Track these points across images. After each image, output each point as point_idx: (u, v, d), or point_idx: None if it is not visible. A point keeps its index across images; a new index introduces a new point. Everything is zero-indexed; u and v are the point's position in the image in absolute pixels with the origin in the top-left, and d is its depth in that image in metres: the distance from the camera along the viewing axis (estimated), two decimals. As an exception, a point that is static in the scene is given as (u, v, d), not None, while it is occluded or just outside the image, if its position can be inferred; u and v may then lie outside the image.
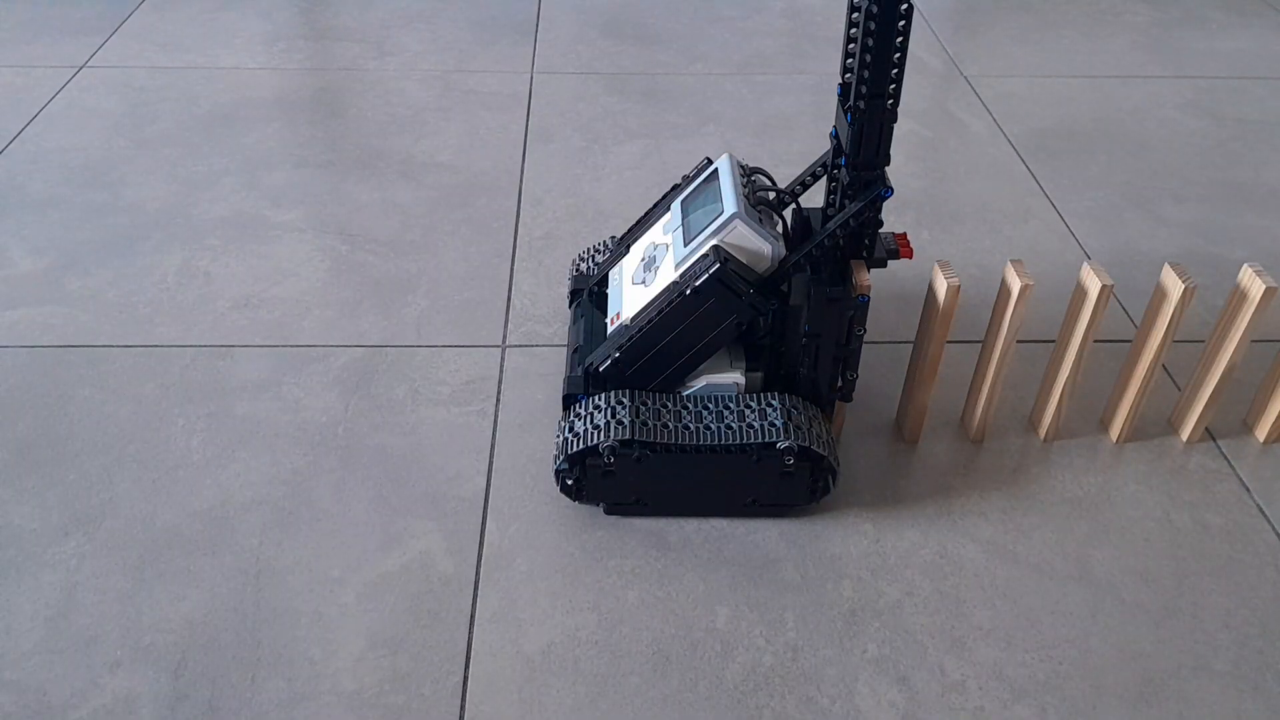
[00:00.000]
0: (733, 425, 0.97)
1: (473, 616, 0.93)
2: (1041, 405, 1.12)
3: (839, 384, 1.03)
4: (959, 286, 1.03)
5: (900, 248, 1.00)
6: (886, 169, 0.94)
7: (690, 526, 1.01)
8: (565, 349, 1.19)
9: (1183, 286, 0.98)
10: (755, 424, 0.96)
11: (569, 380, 1.02)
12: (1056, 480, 1.07)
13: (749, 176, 1.03)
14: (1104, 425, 1.14)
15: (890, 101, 0.90)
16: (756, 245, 0.95)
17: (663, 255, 1.02)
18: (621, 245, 1.13)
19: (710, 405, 0.99)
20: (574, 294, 1.15)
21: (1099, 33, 2.09)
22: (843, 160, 0.94)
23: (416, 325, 1.26)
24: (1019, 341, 1.25)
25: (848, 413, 1.13)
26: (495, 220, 1.46)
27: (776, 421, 0.96)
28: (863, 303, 0.98)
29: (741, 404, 0.99)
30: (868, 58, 0.87)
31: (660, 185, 1.54)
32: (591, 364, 1.00)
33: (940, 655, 0.91)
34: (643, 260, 1.05)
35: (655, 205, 1.12)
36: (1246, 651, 0.92)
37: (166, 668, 0.88)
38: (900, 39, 0.86)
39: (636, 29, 2.06)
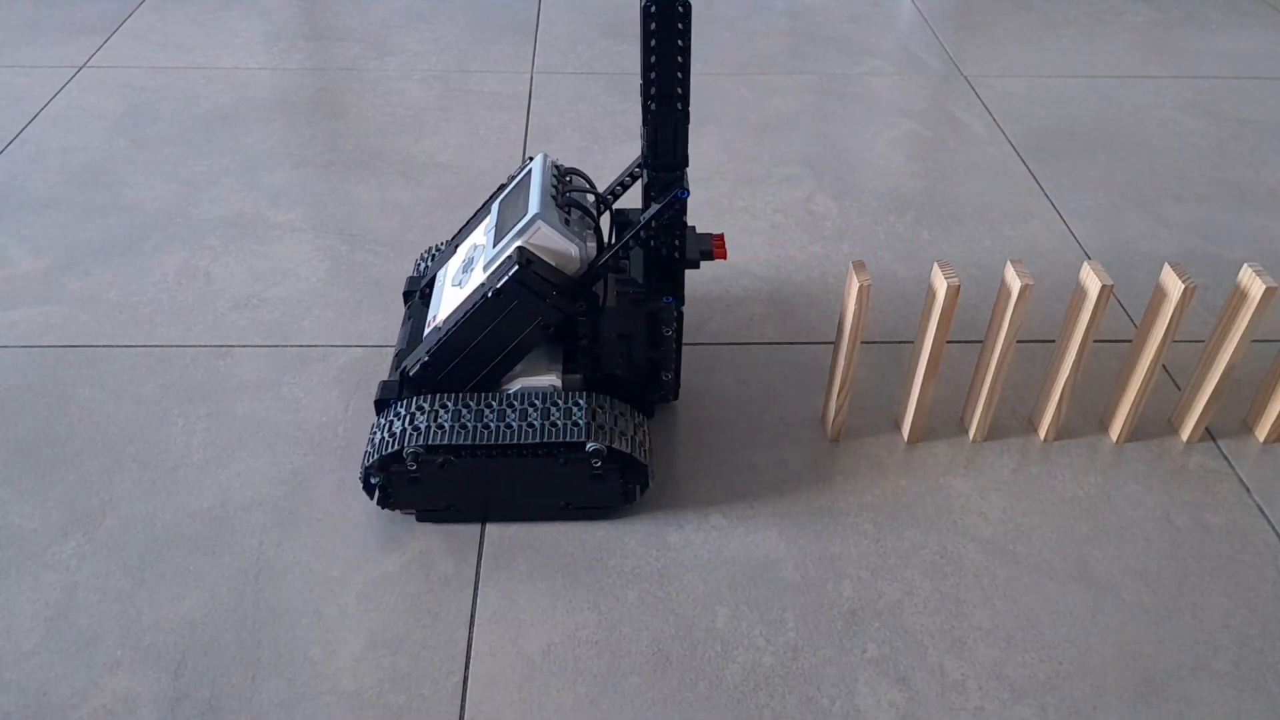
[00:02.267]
0: (535, 424, 0.94)
1: (473, 616, 0.93)
2: (1041, 405, 1.12)
3: (656, 385, 1.03)
4: (959, 286, 1.03)
5: (715, 249, 0.99)
6: (686, 169, 0.94)
7: (690, 526, 1.01)
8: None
9: (1183, 286, 0.98)
10: (559, 423, 0.94)
11: (382, 385, 1.00)
12: (1056, 480, 1.07)
13: (564, 178, 1.02)
14: (1104, 425, 1.14)
15: (680, 103, 0.89)
16: (562, 246, 0.94)
17: (478, 257, 1.00)
18: (450, 246, 1.11)
19: (515, 404, 0.96)
20: (407, 295, 1.14)
21: (1099, 33, 2.09)
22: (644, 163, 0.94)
23: (416, 325, 1.26)
24: (1019, 341, 1.25)
25: (848, 413, 1.13)
26: (495, 220, 1.46)
27: (580, 421, 0.94)
28: (668, 304, 0.97)
29: (547, 403, 0.96)
30: (653, 59, 0.87)
31: (660, 185, 1.54)
32: (405, 367, 0.98)
33: (940, 655, 0.91)
34: (463, 261, 1.04)
35: (483, 205, 1.10)
36: (1246, 651, 0.92)
37: (166, 668, 0.88)
38: (681, 39, 0.85)
39: (637, 29, 2.06)
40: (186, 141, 1.63)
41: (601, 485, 0.97)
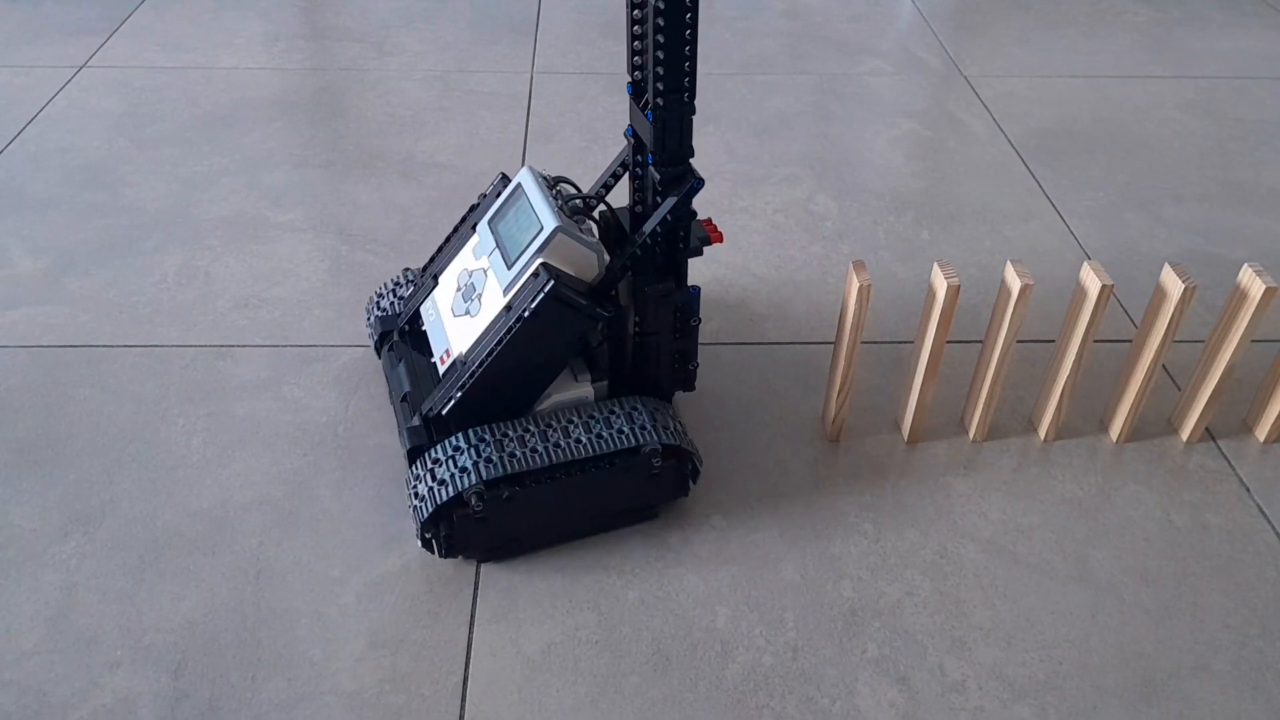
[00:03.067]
0: (586, 439, 0.93)
1: (473, 616, 0.93)
2: (1041, 405, 1.12)
3: (682, 375, 1.03)
4: (959, 286, 1.03)
5: (710, 234, 1.00)
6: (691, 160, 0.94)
7: (690, 526, 1.01)
8: (390, 399, 1.11)
9: (1183, 286, 0.98)
10: (607, 433, 0.93)
11: (411, 432, 0.95)
12: (1056, 480, 1.07)
13: (554, 186, 1.00)
14: (1104, 425, 1.14)
15: (687, 95, 0.89)
16: (583, 255, 0.92)
17: (482, 281, 0.97)
18: (427, 277, 1.06)
19: (575, 418, 0.95)
20: (383, 336, 1.09)
21: (1099, 33, 2.09)
22: (649, 158, 0.93)
23: (416, 325, 1.26)
24: (1019, 341, 1.25)
25: (848, 413, 1.13)
26: (495, 220, 1.46)
27: (646, 424, 0.94)
28: (695, 293, 0.97)
29: (585, 415, 0.95)
30: (660, 54, 0.86)
31: (660, 185, 1.54)
32: (432, 409, 0.94)
33: (940, 655, 0.91)
34: (459, 290, 0.99)
35: (454, 231, 1.06)
36: (1246, 651, 0.92)
37: (166, 668, 0.88)
38: (689, 30, 0.85)
39: (636, 29, 2.05)
40: (186, 141, 1.63)
41: (659, 483, 0.97)
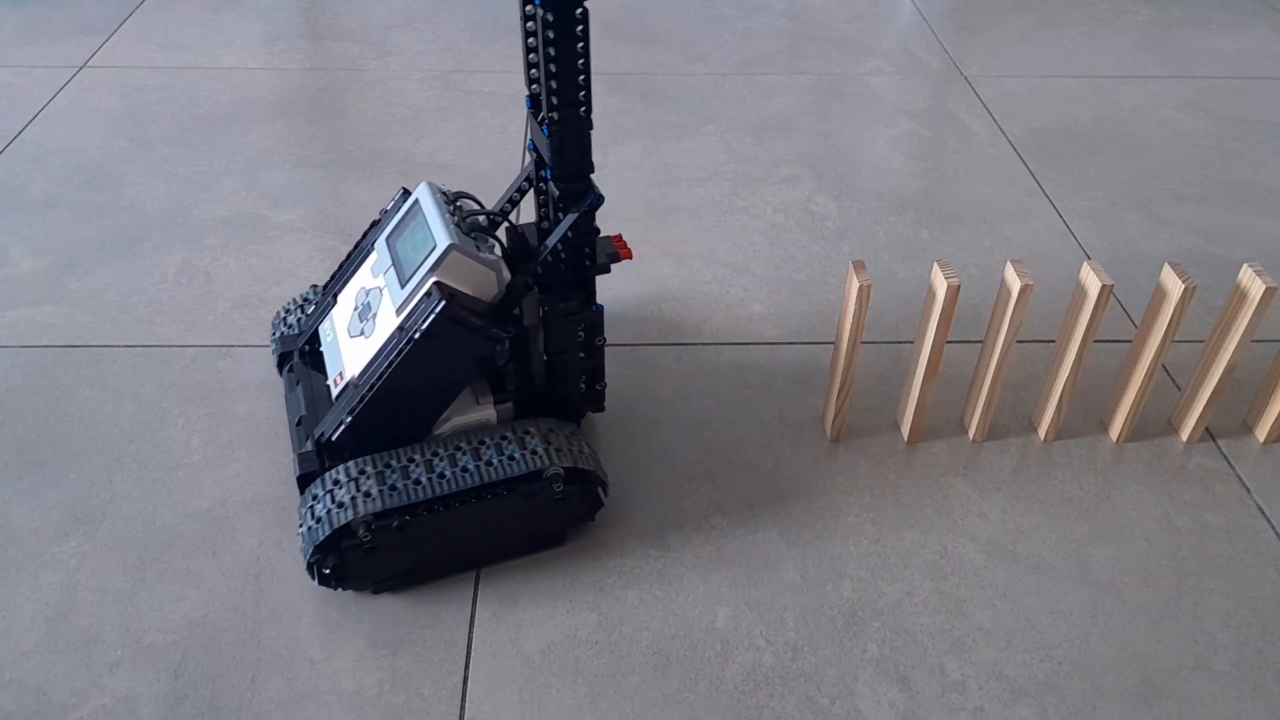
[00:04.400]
0: (494, 461, 0.90)
1: (473, 617, 0.93)
2: (1041, 405, 1.12)
3: (591, 395, 1.01)
4: (959, 286, 1.03)
5: (619, 250, 0.97)
6: (592, 175, 0.91)
7: (690, 526, 1.01)
8: (287, 423, 1.08)
9: (1183, 286, 0.98)
10: (517, 455, 0.90)
11: (301, 459, 0.92)
12: (1056, 480, 1.07)
13: (454, 202, 0.96)
14: (1104, 425, 1.14)
15: (584, 110, 0.86)
16: (480, 274, 0.89)
17: (378, 300, 0.93)
18: (327, 295, 1.02)
19: (464, 445, 0.91)
20: (283, 357, 1.06)
21: (1099, 33, 2.09)
22: (549, 173, 0.91)
23: (416, 325, 1.26)
24: (1019, 341, 1.25)
25: (848, 413, 1.13)
26: (495, 220, 1.46)
27: (539, 449, 0.91)
28: (597, 312, 0.95)
29: (497, 438, 0.92)
30: (553, 68, 0.84)
31: (660, 185, 1.54)
32: (323, 434, 0.90)
33: (940, 655, 0.91)
34: (356, 309, 0.96)
35: (355, 247, 1.02)
36: (1246, 651, 0.92)
37: (166, 668, 0.88)
38: (581, 44, 0.83)
39: (636, 29, 2.06)
40: (186, 141, 1.63)
41: (565, 507, 0.94)
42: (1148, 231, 1.47)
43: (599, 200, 0.91)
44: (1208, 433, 1.13)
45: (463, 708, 0.86)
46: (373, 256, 0.98)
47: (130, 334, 1.23)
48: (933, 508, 1.04)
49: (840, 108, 1.78)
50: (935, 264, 1.00)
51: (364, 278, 0.98)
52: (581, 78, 0.85)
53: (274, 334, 1.10)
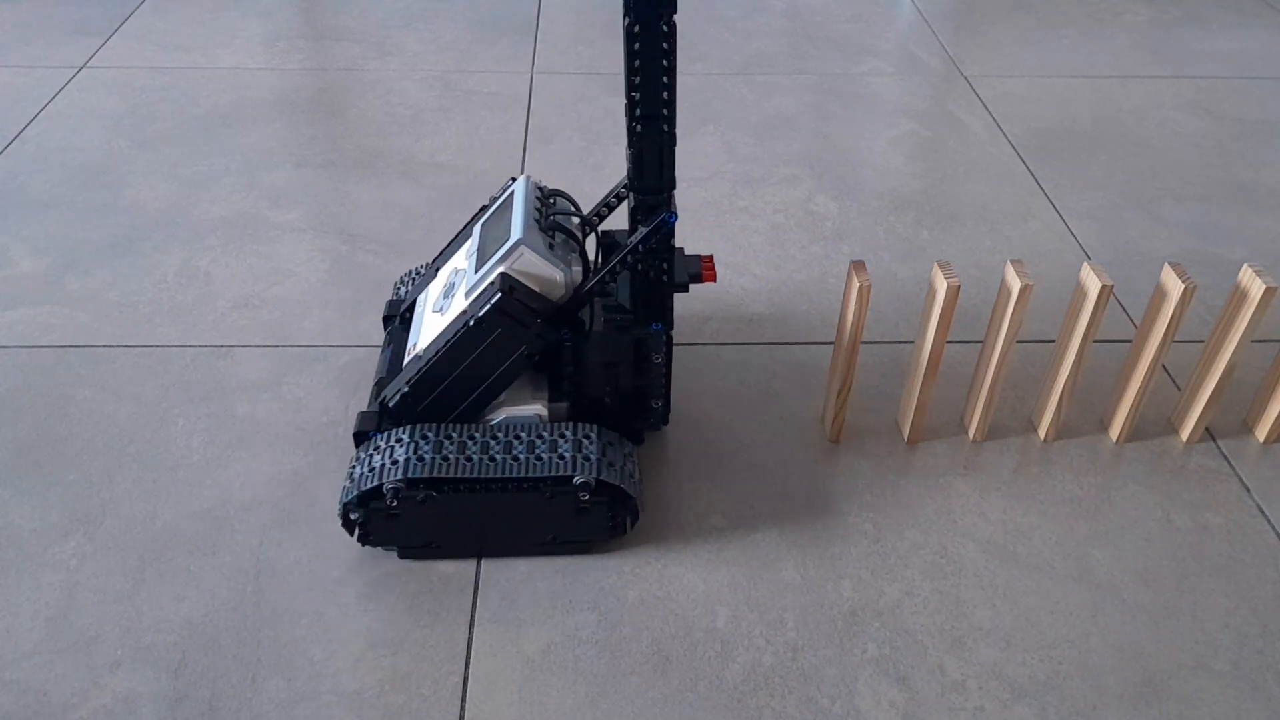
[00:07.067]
0: (520, 457, 0.91)
1: (473, 616, 0.93)
2: (1041, 405, 1.12)
3: (643, 413, 1.00)
4: (959, 286, 1.03)
5: (704, 271, 0.97)
6: (673, 191, 0.91)
7: (690, 526, 1.01)
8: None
9: (1183, 286, 0.98)
10: (545, 456, 0.91)
11: (361, 416, 0.95)
12: (1056, 480, 1.07)
13: (548, 200, 0.98)
14: (1104, 425, 1.14)
15: (666, 125, 0.86)
16: (546, 272, 0.90)
17: (459, 282, 0.96)
18: (431, 269, 1.07)
19: (499, 436, 0.92)
20: (387, 319, 1.10)
21: (1099, 33, 2.09)
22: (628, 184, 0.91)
23: (416, 325, 1.26)
24: (1019, 341, 1.25)
25: (848, 413, 1.13)
26: (495, 220, 1.46)
27: (566, 454, 0.91)
28: (656, 330, 0.94)
29: (533, 434, 0.93)
30: (637, 79, 0.83)
31: (660, 185, 1.54)
32: (384, 398, 0.94)
33: (940, 655, 0.91)
34: (444, 286, 1.00)
35: (466, 225, 1.06)
36: (1246, 651, 0.92)
37: (166, 668, 0.88)
38: (666, 60, 0.82)
39: (636, 29, 2.05)
40: (186, 141, 1.63)
41: (589, 518, 0.94)
42: (1148, 231, 1.47)
43: (672, 218, 0.90)
44: (1208, 433, 1.14)
45: (463, 708, 0.86)
46: (472, 239, 1.01)
47: (130, 334, 1.23)
48: (933, 508, 1.04)
49: (840, 108, 1.78)
50: (935, 264, 1.00)
51: (459, 258, 1.02)
52: (665, 93, 0.85)
53: (394, 294, 1.15)
